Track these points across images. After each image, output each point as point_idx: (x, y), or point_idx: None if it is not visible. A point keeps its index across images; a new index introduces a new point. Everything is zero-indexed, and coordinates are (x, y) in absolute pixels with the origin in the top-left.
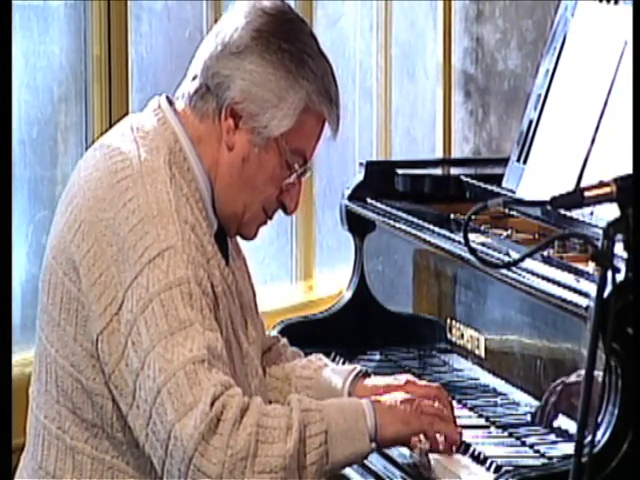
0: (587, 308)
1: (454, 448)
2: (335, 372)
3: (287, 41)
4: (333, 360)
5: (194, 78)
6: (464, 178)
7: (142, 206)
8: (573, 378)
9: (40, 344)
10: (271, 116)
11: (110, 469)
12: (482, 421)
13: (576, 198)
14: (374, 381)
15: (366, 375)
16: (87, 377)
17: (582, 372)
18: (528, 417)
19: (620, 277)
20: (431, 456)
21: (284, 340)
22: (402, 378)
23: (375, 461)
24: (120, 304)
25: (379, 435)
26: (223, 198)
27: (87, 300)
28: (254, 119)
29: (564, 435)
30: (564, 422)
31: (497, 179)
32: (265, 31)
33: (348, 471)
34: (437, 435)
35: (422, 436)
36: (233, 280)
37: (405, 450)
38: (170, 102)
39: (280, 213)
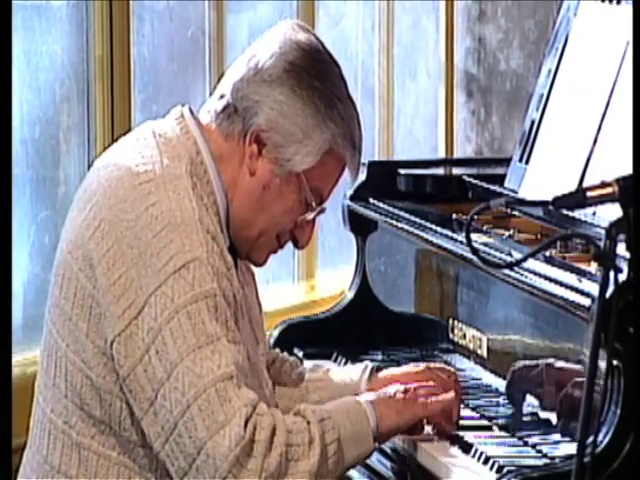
0: (589, 308)
1: (454, 423)
2: (346, 370)
3: (319, 80)
4: (335, 360)
5: (221, 97)
6: (466, 178)
7: (165, 213)
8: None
9: (50, 338)
10: (295, 151)
11: (116, 465)
12: (484, 421)
13: (578, 198)
14: (391, 371)
15: (379, 369)
16: (97, 374)
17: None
18: (530, 417)
19: (622, 277)
20: (434, 455)
21: (284, 353)
22: (421, 365)
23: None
24: (140, 309)
25: (379, 432)
26: (239, 220)
27: (104, 299)
28: (278, 150)
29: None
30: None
31: (499, 179)
32: (298, 65)
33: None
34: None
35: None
36: (243, 295)
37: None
38: (191, 113)
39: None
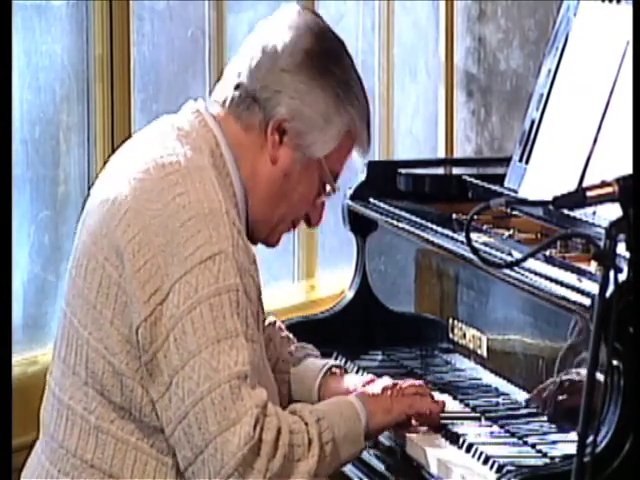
0: (589, 308)
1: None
2: (308, 370)
3: (334, 64)
4: (335, 360)
5: (237, 87)
6: (466, 178)
7: (193, 203)
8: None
9: (70, 328)
10: (316, 137)
11: (134, 450)
12: (484, 421)
13: (578, 198)
14: (340, 383)
15: (337, 368)
16: (120, 361)
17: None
18: (530, 417)
19: (622, 277)
20: (431, 454)
21: (279, 323)
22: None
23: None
24: (165, 296)
25: (369, 430)
26: (259, 209)
27: (130, 286)
28: (300, 137)
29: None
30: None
31: (499, 179)
32: (315, 52)
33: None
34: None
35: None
36: None
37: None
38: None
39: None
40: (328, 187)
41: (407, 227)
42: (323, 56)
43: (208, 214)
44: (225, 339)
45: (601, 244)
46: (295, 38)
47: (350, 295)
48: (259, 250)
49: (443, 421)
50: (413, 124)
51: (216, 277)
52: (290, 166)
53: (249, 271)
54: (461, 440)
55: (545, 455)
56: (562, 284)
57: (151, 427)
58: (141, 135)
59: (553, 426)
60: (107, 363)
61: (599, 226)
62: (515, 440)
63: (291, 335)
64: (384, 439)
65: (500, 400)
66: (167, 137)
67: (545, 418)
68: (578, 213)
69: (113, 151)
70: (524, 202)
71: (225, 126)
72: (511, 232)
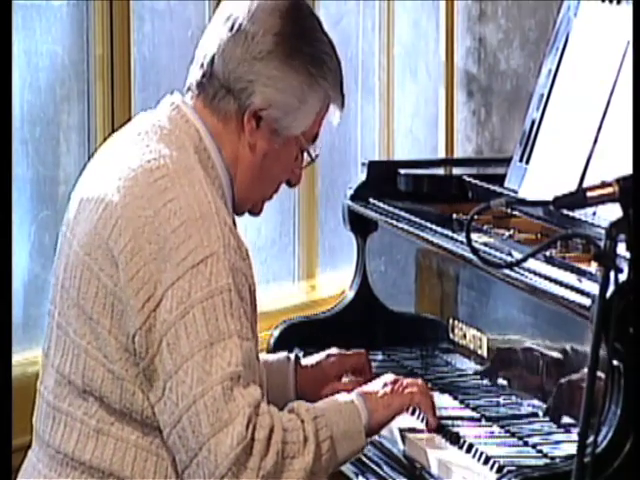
0: (589, 308)
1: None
2: (272, 362)
3: (305, 42)
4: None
5: (210, 75)
6: (466, 178)
7: (184, 208)
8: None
9: (66, 338)
10: (293, 118)
11: (133, 447)
12: (484, 421)
13: (578, 198)
14: (308, 362)
15: (297, 358)
16: (121, 367)
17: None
18: (531, 417)
19: (622, 277)
20: (432, 454)
21: None
22: (324, 354)
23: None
24: (158, 302)
25: (370, 427)
26: (243, 191)
27: (124, 294)
28: (276, 122)
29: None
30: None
31: (499, 179)
32: (286, 34)
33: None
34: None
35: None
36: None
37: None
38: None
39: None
40: (309, 150)
41: (407, 227)
42: (293, 37)
43: (199, 218)
44: (218, 341)
45: (601, 244)
46: (264, 21)
47: (350, 295)
48: (258, 250)
49: (443, 421)
50: (413, 124)
51: (208, 280)
52: (268, 148)
53: (241, 269)
54: (461, 440)
55: (545, 455)
56: (562, 284)
57: (150, 427)
58: (122, 136)
59: (553, 426)
60: (107, 371)
61: (599, 226)
62: (515, 440)
63: None
64: (384, 439)
65: (500, 400)
66: (150, 138)
67: (546, 418)
68: (578, 213)
69: None
70: (524, 202)
71: (203, 117)
72: (511, 232)
